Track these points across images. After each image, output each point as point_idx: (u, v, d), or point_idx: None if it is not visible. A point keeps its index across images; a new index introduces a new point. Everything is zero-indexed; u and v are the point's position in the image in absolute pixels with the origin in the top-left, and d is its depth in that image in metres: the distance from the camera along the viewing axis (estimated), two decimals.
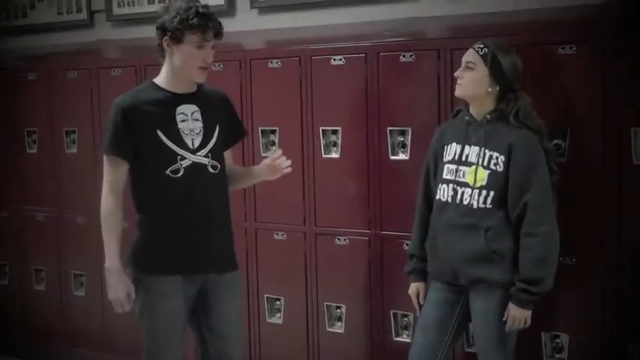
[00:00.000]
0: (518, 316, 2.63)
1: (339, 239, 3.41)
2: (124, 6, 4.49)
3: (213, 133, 2.79)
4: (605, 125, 2.80)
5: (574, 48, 2.84)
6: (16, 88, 4.39)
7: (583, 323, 2.90)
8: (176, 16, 2.65)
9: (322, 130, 3.41)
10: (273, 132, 3.56)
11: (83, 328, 4.28)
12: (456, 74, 2.76)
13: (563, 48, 2.86)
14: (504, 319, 2.65)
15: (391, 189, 3.27)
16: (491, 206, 2.64)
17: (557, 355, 2.96)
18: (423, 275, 2.92)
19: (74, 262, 4.27)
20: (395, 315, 3.31)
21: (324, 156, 3.42)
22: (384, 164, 3.27)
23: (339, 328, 3.47)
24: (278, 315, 3.63)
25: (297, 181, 3.45)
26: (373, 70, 3.26)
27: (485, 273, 2.65)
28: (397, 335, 3.32)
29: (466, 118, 2.76)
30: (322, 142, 3.41)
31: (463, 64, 2.74)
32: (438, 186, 2.79)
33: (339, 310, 3.47)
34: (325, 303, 3.48)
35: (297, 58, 3.43)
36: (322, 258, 3.46)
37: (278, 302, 3.62)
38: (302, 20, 3.87)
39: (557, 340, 2.96)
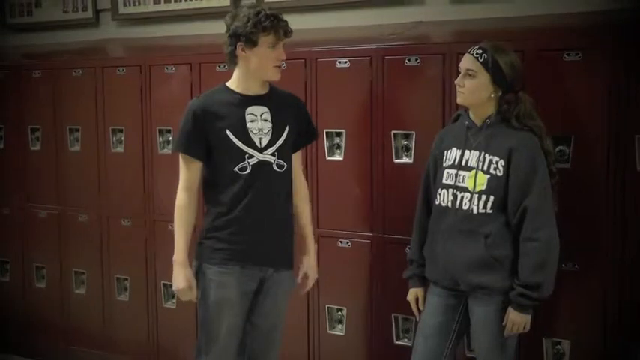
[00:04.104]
0: (517, 320, 2.62)
1: (341, 242, 3.41)
2: (129, 5, 4.50)
3: (281, 134, 2.88)
4: (610, 132, 2.81)
5: (579, 55, 2.84)
6: (21, 85, 4.39)
7: (585, 330, 2.90)
8: (248, 21, 2.76)
9: (326, 132, 3.41)
10: None
11: (83, 325, 4.28)
12: (456, 82, 2.73)
13: (568, 54, 2.86)
14: (504, 323, 2.64)
15: (394, 192, 3.27)
16: (491, 211, 2.63)
17: None
18: (422, 281, 2.91)
19: (75, 259, 4.27)
20: (396, 318, 3.31)
21: (327, 158, 3.42)
22: (388, 168, 3.27)
23: (340, 330, 3.47)
24: None
25: None
26: (378, 74, 3.26)
27: (486, 280, 2.64)
28: (398, 338, 3.32)
29: (466, 123, 2.75)
30: (326, 144, 3.42)
31: (463, 72, 2.70)
32: (437, 191, 2.78)
33: (340, 313, 3.47)
34: (326, 305, 3.48)
35: (303, 61, 3.43)
36: (324, 260, 3.44)
37: None
38: (307, 22, 3.87)
39: (559, 346, 2.96)
